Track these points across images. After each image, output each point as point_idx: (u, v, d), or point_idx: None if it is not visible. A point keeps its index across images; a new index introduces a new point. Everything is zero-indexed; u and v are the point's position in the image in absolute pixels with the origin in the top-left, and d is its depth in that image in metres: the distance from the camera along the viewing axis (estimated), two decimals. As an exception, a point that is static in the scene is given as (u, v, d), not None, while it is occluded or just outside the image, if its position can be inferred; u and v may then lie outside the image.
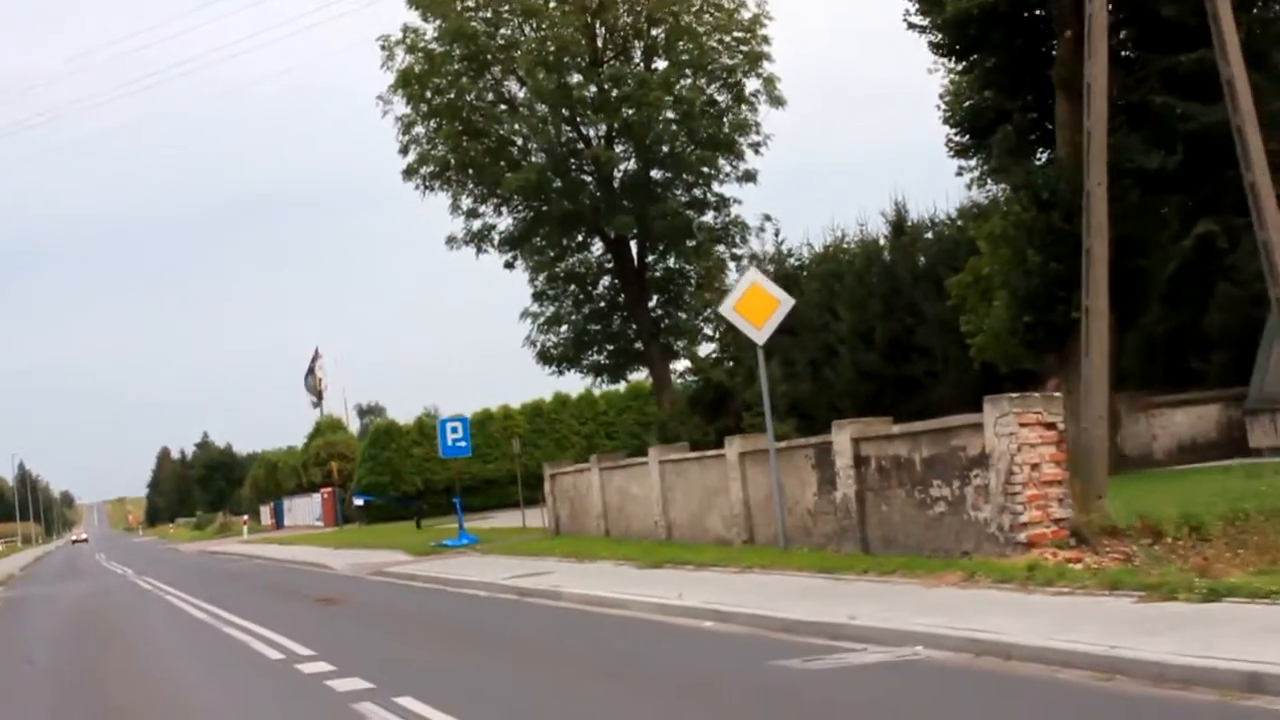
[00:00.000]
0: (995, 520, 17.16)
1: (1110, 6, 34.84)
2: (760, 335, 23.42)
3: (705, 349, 45.17)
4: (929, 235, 50.89)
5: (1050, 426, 16.81)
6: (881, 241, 52.20)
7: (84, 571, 61.38)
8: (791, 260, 55.62)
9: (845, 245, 53.39)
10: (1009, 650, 11.96)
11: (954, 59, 36.18)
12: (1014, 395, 16.98)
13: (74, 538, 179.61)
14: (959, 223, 47.21)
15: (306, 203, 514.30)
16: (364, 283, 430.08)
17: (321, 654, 17.08)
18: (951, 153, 37.81)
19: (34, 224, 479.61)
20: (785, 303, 23.41)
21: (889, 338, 47.06)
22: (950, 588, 16.06)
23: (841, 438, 20.86)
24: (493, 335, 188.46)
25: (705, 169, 46.15)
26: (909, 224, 51.62)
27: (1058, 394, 17.25)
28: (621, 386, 68.11)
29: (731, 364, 35.65)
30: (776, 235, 55.25)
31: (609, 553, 28.31)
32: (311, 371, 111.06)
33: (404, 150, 46.73)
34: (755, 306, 23.13)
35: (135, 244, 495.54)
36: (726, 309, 23.83)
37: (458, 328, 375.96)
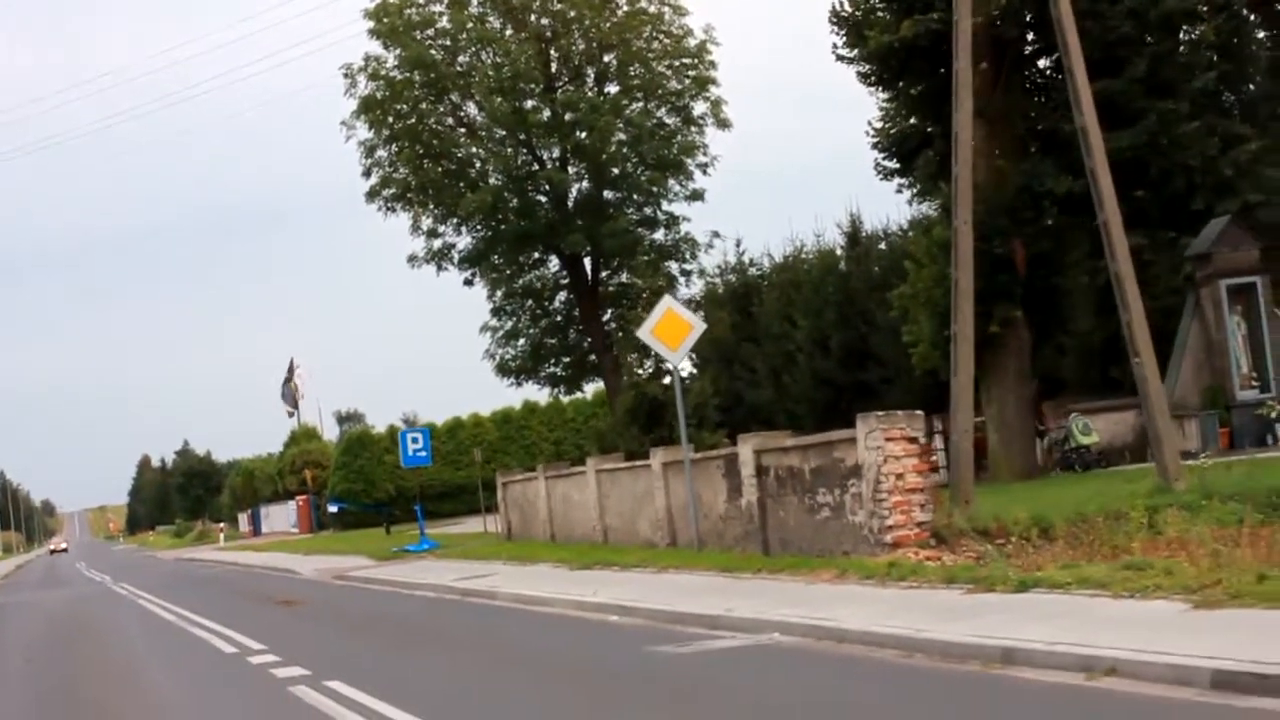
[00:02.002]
0: (867, 524, 19.34)
1: (1031, 36, 37.30)
2: (675, 357, 25.58)
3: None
4: (882, 246, 52.71)
5: (913, 441, 18.97)
6: (838, 252, 54.05)
7: (63, 579, 63.20)
8: (753, 270, 57.68)
9: (804, 255, 55.25)
10: (842, 635, 14.10)
11: (880, 88, 38.27)
12: (880, 414, 19.16)
13: (53, 547, 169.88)
14: (910, 234, 49.14)
15: (288, 214, 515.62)
16: (347, 290, 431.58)
17: (271, 648, 19.14)
18: (880, 176, 39.92)
19: (11, 235, 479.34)
20: (698, 326, 25.52)
21: (844, 346, 48.82)
22: (824, 584, 18.21)
23: (745, 450, 23.02)
24: (471, 342, 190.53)
25: (655, 189, 48.18)
26: (863, 235, 53.51)
27: (918, 413, 19.30)
28: (589, 394, 69.88)
29: (667, 378, 37.63)
30: (738, 246, 57.41)
31: (549, 556, 30.46)
32: (288, 381, 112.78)
33: (367, 173, 48.70)
34: (670, 330, 25.20)
35: (115, 254, 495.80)
36: (644, 333, 25.87)
37: (437, 334, 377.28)
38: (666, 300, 27.01)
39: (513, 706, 13.06)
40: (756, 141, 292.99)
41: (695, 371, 55.98)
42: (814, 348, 50.01)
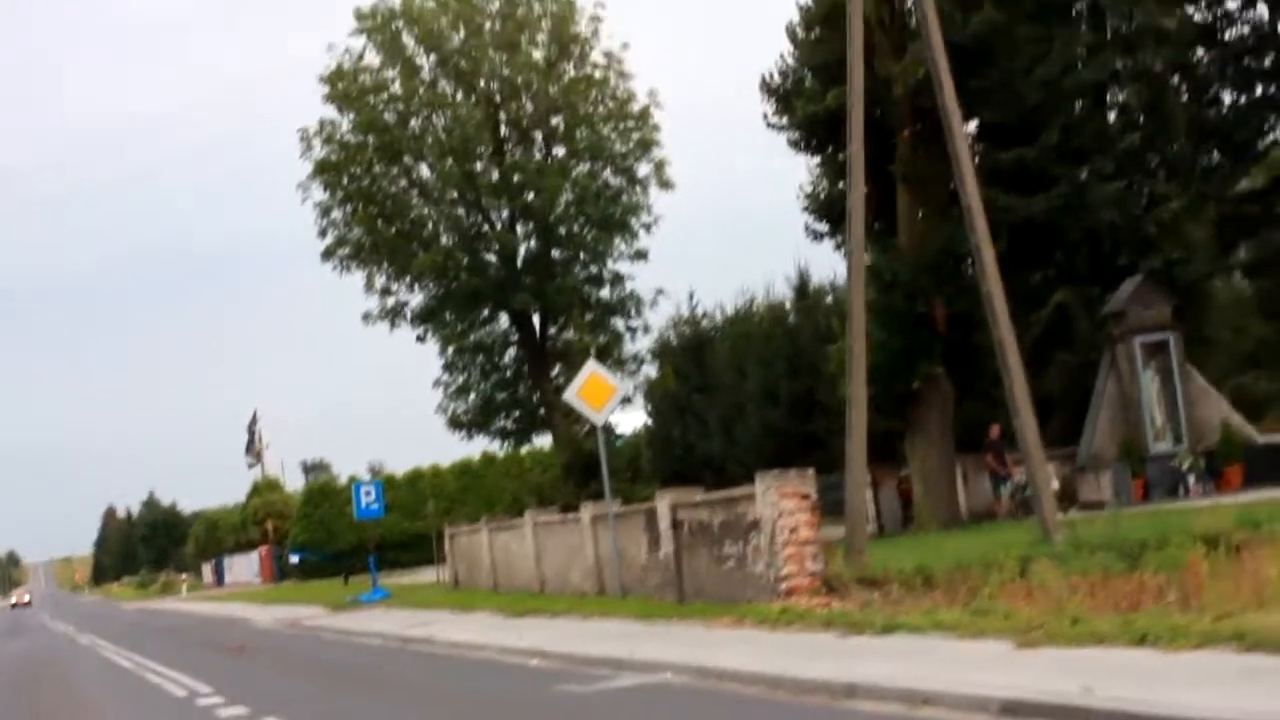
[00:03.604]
0: (765, 573, 21.07)
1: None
2: (599, 418, 27.40)
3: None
4: (829, 299, 54.22)
5: (805, 497, 20.72)
6: (787, 305, 55.65)
7: (28, 629, 64.55)
8: (705, 322, 59.31)
9: (755, 308, 56.87)
10: (722, 674, 15.78)
11: (809, 153, 40.02)
12: (776, 472, 20.93)
13: (14, 600, 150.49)
14: (863, 285, 50.53)
15: (255, 264, 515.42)
16: (314, 340, 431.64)
17: (218, 691, 20.76)
18: (811, 238, 41.67)
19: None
20: (620, 389, 27.44)
21: (793, 397, 50.23)
22: (723, 628, 19.91)
23: (662, 505, 24.78)
24: (435, 393, 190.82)
25: (600, 248, 49.89)
26: (811, 288, 55.10)
27: (809, 471, 21.02)
28: (547, 445, 71.24)
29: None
30: (691, 298, 59.01)
31: (488, 604, 32.10)
32: (251, 434, 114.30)
33: (322, 233, 50.21)
34: (595, 392, 27.03)
35: (81, 304, 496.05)
36: (570, 395, 27.66)
37: (404, 383, 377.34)
38: (591, 364, 28.78)
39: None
40: (714, 188, 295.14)
41: (650, 422, 57.74)
42: (764, 399, 51.34)
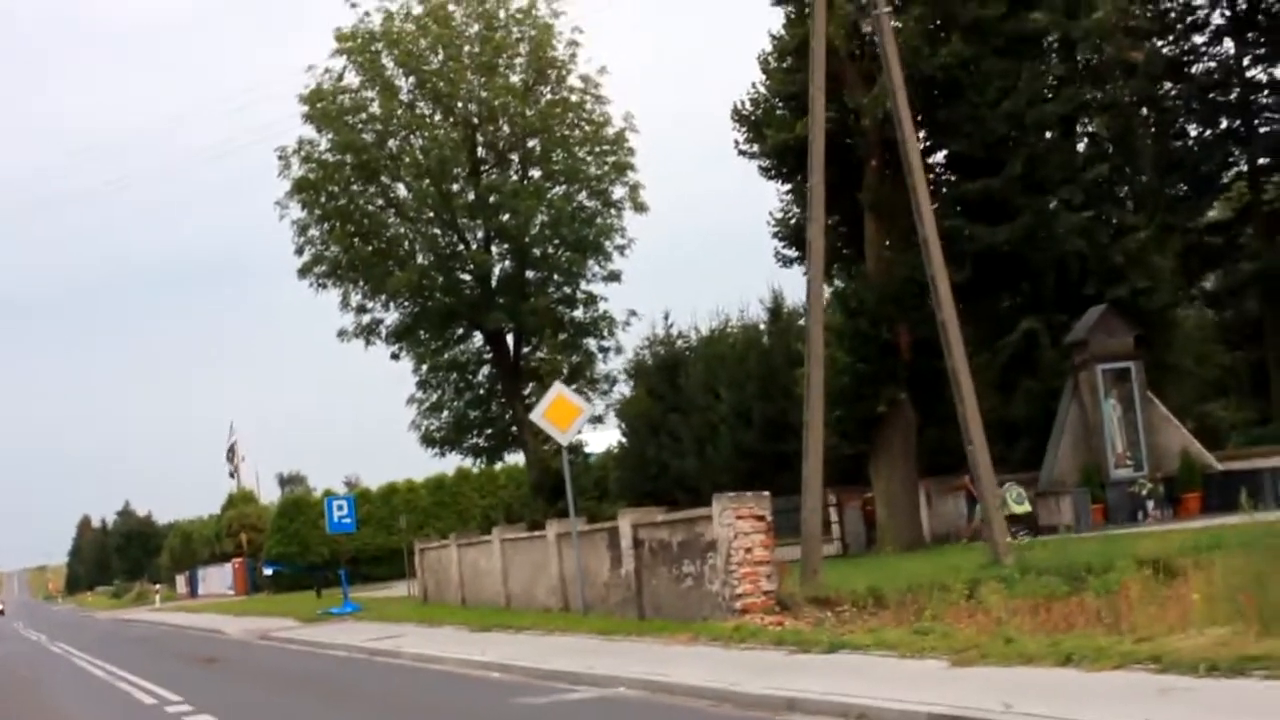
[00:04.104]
0: (721, 592, 21.71)
1: (921, 135, 39.79)
2: (565, 438, 28.07)
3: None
4: (802, 322, 54.72)
5: (760, 518, 21.37)
6: (761, 326, 56.21)
7: (0, 636, 64.86)
8: (680, 342, 59.79)
9: (729, 329, 57.41)
10: (673, 688, 16.40)
11: (780, 181, 40.73)
12: (731, 494, 21.61)
13: None
14: (829, 310, 51.16)
15: (234, 270, 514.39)
16: (293, 352, 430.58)
17: (187, 699, 21.32)
18: (780, 264, 42.38)
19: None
20: (586, 410, 28.09)
21: (765, 418, 50.77)
22: (678, 645, 20.52)
23: (624, 524, 25.44)
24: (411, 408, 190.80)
25: (574, 269, 50.54)
26: (785, 310, 55.70)
27: (765, 493, 21.67)
28: (521, 461, 71.69)
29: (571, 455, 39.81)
30: (666, 319, 59.46)
31: (455, 619, 32.69)
32: (230, 448, 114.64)
33: (299, 251, 50.57)
34: (561, 413, 27.72)
35: (63, 310, 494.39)
36: (536, 416, 28.35)
37: (382, 397, 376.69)
38: (557, 386, 29.49)
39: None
40: (694, 208, 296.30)
41: (623, 441, 58.24)
42: (736, 419, 51.84)
